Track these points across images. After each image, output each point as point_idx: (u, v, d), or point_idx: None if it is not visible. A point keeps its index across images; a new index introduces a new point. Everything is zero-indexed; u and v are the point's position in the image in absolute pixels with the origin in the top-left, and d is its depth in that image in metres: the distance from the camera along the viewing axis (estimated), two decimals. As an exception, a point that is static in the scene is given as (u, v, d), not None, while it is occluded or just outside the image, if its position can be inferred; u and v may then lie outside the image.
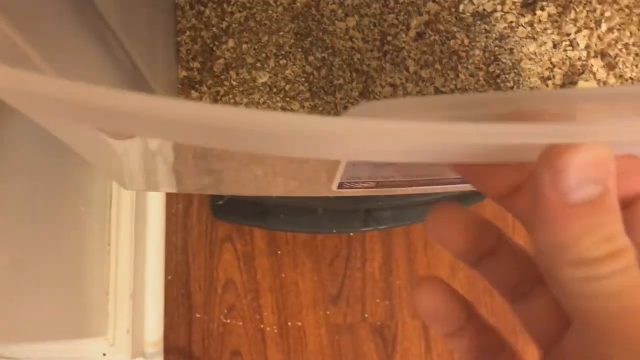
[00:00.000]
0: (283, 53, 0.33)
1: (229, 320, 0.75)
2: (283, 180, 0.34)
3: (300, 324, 0.76)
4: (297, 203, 0.77)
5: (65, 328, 0.55)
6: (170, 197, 0.78)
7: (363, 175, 0.29)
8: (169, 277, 0.75)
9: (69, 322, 0.57)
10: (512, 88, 0.33)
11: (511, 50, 0.32)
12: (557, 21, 0.33)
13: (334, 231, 0.80)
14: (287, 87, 0.33)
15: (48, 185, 0.52)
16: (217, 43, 0.33)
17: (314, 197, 0.58)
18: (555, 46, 0.32)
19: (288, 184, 0.34)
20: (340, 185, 0.32)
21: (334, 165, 0.28)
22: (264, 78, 0.33)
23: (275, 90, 0.33)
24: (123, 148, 0.28)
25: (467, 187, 0.34)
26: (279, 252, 0.78)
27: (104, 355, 0.66)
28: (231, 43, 0.33)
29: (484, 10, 0.33)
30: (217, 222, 0.77)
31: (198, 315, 0.75)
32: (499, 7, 0.33)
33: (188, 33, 0.33)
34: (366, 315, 0.77)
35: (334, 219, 0.77)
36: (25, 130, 0.48)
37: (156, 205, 0.77)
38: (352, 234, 0.79)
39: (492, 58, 0.32)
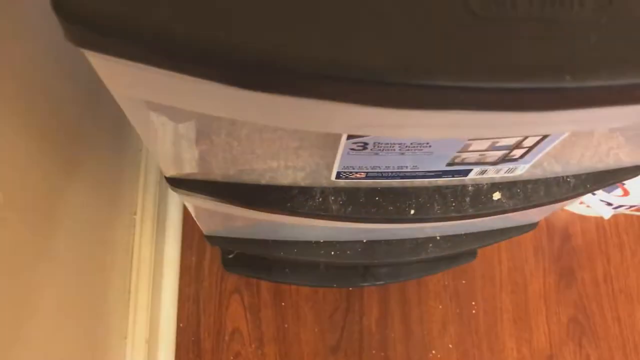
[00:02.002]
0: None
1: (234, 367, 0.81)
2: (292, 172, 0.41)
3: (301, 372, 0.82)
4: (300, 258, 0.83)
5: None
6: (185, 250, 0.85)
7: (355, 165, 0.37)
8: (181, 325, 0.81)
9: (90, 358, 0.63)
10: None
11: None
12: None
13: (334, 285, 0.86)
14: None
15: (85, 239, 0.60)
16: None
17: (316, 254, 0.65)
18: None
19: (296, 174, 0.41)
20: (338, 175, 0.39)
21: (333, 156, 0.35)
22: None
23: None
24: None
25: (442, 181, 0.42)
26: (283, 304, 0.84)
27: (119, 395, 0.72)
28: None
29: None
30: (227, 274, 0.84)
31: (206, 361, 0.81)
32: None
33: None
34: (363, 365, 0.82)
35: (334, 274, 0.83)
36: (74, 197, 0.55)
37: (172, 257, 0.84)
38: (351, 289, 0.86)
39: None
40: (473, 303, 0.86)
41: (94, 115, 0.62)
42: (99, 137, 0.65)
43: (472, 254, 0.86)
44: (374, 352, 0.83)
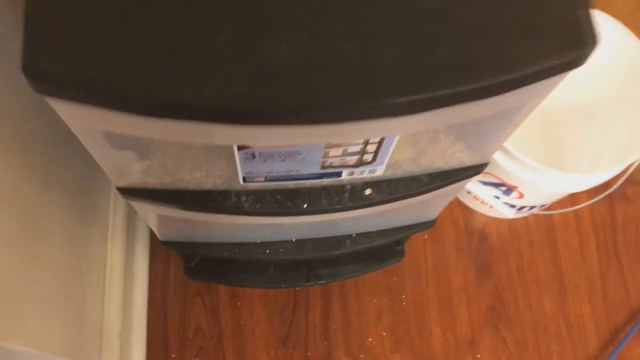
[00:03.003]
0: None
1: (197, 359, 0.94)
2: (212, 179, 0.55)
3: (255, 361, 0.95)
4: (253, 264, 0.97)
5: (66, 350, 0.74)
6: (152, 261, 0.98)
7: (254, 170, 0.51)
8: (150, 325, 0.95)
9: (71, 347, 0.75)
10: None
11: None
12: None
13: (283, 286, 0.99)
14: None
15: (64, 250, 0.73)
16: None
17: (255, 252, 0.78)
18: None
19: (215, 181, 0.55)
20: (244, 179, 0.53)
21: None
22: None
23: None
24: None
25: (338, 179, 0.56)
26: (239, 304, 0.97)
27: (96, 383, 0.85)
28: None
29: None
30: (189, 280, 0.97)
31: (173, 355, 0.94)
32: None
33: None
34: (309, 354, 0.95)
35: (282, 277, 0.97)
36: (56, 208, 0.69)
37: (141, 267, 0.97)
38: (297, 288, 0.99)
39: None
40: (403, 296, 1.00)
41: (68, 147, 0.76)
42: (74, 165, 0.79)
43: (401, 254, 1.00)
44: (318, 342, 0.96)
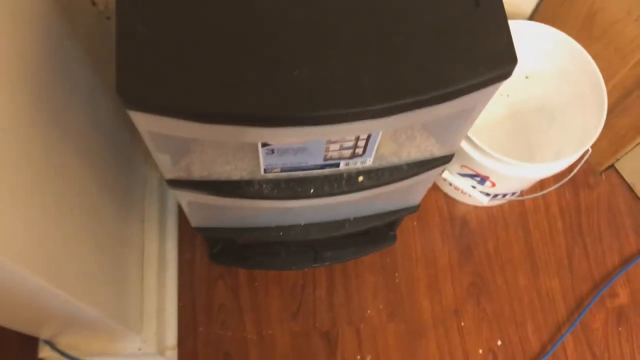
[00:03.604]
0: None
1: (222, 331, 1.10)
2: (239, 171, 0.71)
3: (271, 332, 1.11)
4: (267, 250, 1.14)
5: (118, 318, 0.90)
6: (181, 249, 1.15)
7: (272, 163, 0.67)
8: (180, 303, 1.11)
9: (121, 317, 0.92)
10: None
11: None
12: None
13: (293, 268, 1.16)
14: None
15: (108, 237, 0.90)
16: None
17: (270, 235, 0.94)
18: None
19: (242, 172, 0.71)
20: (265, 171, 0.69)
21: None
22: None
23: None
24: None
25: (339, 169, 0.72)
26: (256, 284, 1.14)
27: (139, 349, 1.01)
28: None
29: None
30: (213, 265, 1.14)
31: (201, 329, 1.10)
32: None
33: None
34: (316, 325, 1.12)
35: (292, 260, 1.13)
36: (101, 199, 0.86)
37: (172, 255, 1.13)
38: (305, 270, 1.16)
39: None
40: (396, 274, 1.16)
41: (116, 157, 0.93)
42: (119, 170, 0.95)
43: (393, 239, 1.16)
44: (324, 314, 1.12)
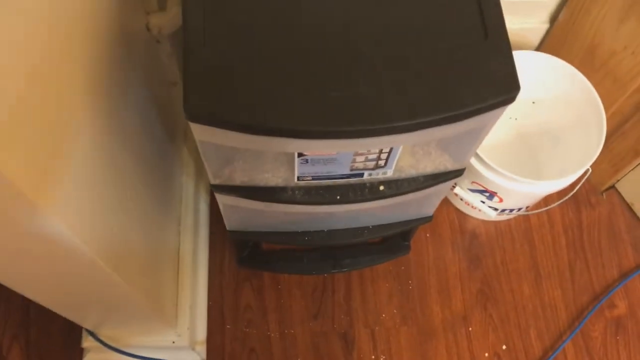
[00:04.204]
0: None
1: (247, 329, 1.20)
2: (276, 178, 0.81)
3: (293, 331, 1.20)
4: (290, 256, 1.23)
5: (155, 311, 1.00)
6: (211, 254, 1.25)
7: (305, 172, 0.77)
8: (210, 303, 1.21)
9: (158, 310, 1.01)
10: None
11: None
12: None
13: (314, 273, 1.25)
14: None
15: (151, 240, 1.00)
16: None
17: (297, 240, 1.04)
18: None
19: (278, 179, 0.81)
20: (298, 179, 0.79)
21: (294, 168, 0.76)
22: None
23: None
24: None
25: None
26: (279, 287, 1.23)
27: (173, 342, 1.10)
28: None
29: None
30: (240, 268, 1.24)
31: (228, 326, 1.19)
32: None
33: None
34: (335, 326, 1.21)
35: (313, 265, 1.23)
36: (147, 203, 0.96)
37: (203, 258, 1.23)
38: (325, 275, 1.25)
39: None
40: (410, 282, 1.25)
41: (159, 168, 1.04)
42: (160, 178, 1.06)
43: (407, 248, 1.26)
44: (342, 316, 1.21)
